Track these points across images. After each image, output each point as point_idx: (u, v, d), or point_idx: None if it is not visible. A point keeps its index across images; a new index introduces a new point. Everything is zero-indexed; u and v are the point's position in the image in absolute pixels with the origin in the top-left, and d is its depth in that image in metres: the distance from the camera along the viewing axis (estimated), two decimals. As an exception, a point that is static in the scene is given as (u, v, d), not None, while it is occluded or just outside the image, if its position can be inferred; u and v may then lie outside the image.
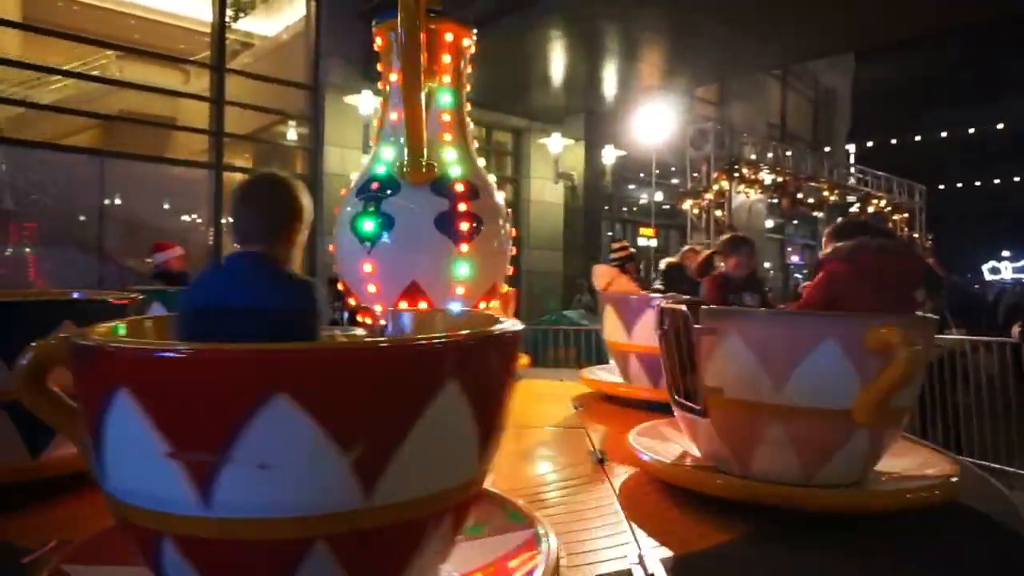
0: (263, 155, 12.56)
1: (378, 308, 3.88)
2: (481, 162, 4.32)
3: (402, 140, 4.05)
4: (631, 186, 18.58)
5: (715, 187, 16.01)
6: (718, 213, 16.10)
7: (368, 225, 3.83)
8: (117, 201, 9.86)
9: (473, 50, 4.37)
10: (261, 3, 14.18)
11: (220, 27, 10.56)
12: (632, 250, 6.07)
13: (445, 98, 4.18)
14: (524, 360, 6.29)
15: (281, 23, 13.07)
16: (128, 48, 13.41)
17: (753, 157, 17.05)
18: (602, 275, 5.60)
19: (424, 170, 3.87)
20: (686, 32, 10.14)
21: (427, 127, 4.00)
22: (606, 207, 17.03)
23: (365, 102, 9.63)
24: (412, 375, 1.50)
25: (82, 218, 9.57)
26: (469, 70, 4.38)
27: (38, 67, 12.20)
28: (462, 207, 3.89)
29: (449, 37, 4.14)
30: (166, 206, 11.34)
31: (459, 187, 3.94)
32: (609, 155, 14.79)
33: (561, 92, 12.66)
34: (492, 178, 4.26)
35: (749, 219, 18.11)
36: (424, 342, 1.62)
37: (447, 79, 4.20)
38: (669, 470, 2.76)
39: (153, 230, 10.60)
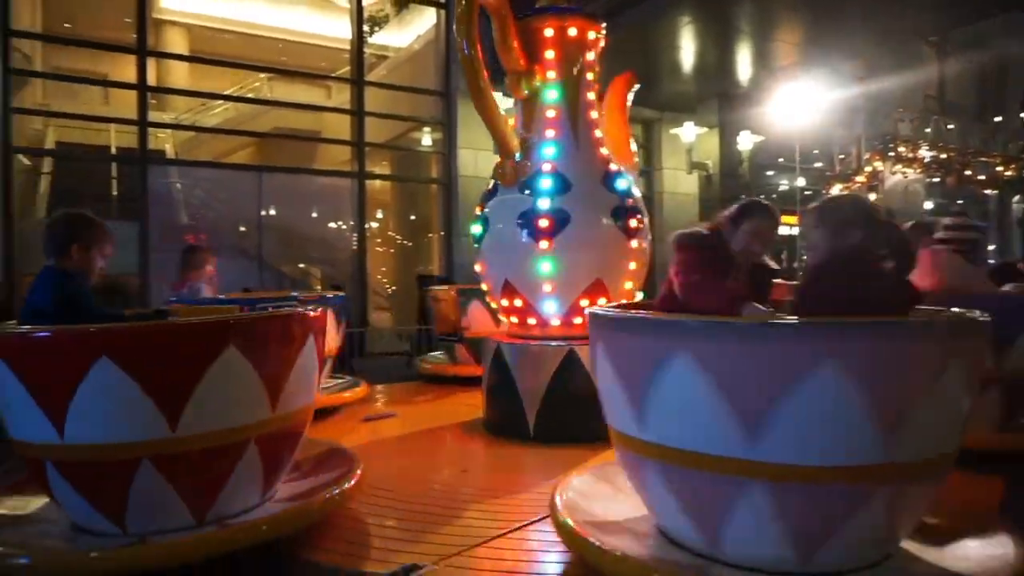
0: (400, 161, 13.11)
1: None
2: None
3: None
4: (770, 172, 17.65)
5: (867, 168, 14.85)
6: (871, 196, 14.94)
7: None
8: (272, 212, 10.63)
9: (602, 44, 4.31)
10: (394, 17, 14.80)
11: (358, 43, 11.10)
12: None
13: (588, 93, 4.17)
14: None
15: (413, 33, 13.57)
16: (277, 70, 14.47)
17: (910, 133, 15.66)
18: (940, 264, 3.63)
19: (512, 172, 3.94)
20: (827, 4, 9.47)
21: (575, 124, 4.04)
22: (743, 196, 16.30)
23: (500, 101, 9.81)
24: (196, 343, 2.36)
25: (243, 228, 10.41)
26: (595, 68, 4.33)
27: (203, 94, 13.43)
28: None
29: (573, 32, 4.10)
30: (314, 214, 12.10)
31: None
32: (746, 141, 14.13)
33: (692, 79, 12.24)
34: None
35: (905, 201, 16.67)
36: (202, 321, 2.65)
37: (590, 75, 4.17)
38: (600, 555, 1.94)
39: (304, 237, 11.36)
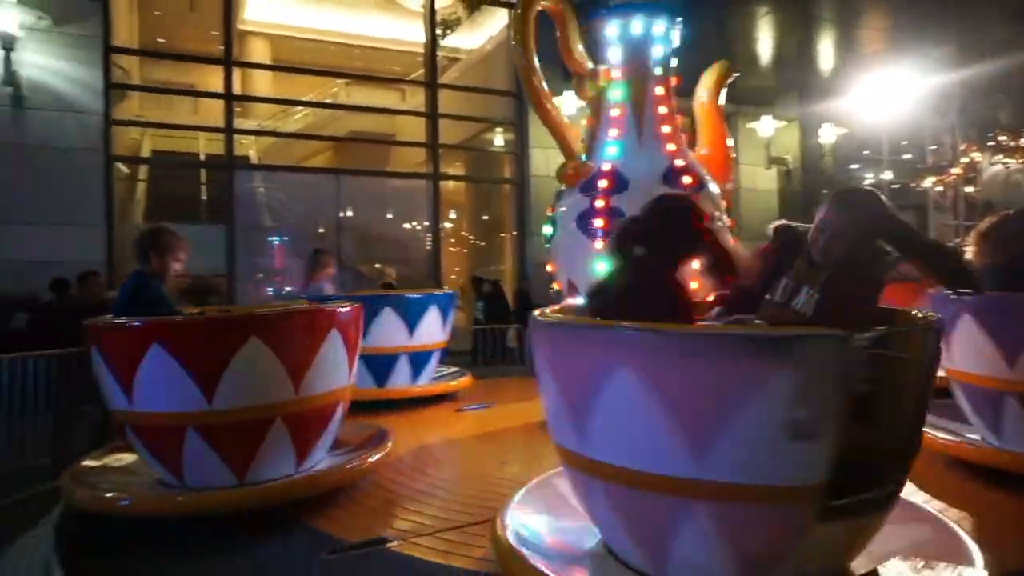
0: (473, 162, 13.24)
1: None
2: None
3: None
4: (855, 166, 16.90)
5: (963, 159, 14.03)
6: (968, 189, 14.10)
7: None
8: (350, 213, 10.93)
9: (675, 38, 4.23)
10: (466, 19, 14.95)
11: (431, 46, 11.28)
12: None
13: (656, 89, 4.09)
14: None
15: (485, 35, 13.68)
16: (354, 75, 14.85)
17: (1011, 120, 14.69)
18: None
19: (573, 173, 3.98)
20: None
21: (639, 121, 4.00)
22: (825, 191, 15.66)
23: (568, 103, 9.76)
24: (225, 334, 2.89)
25: (322, 230, 10.73)
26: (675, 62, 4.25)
27: (284, 101, 13.93)
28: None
29: (637, 29, 4.05)
30: (390, 215, 12.36)
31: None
32: (828, 134, 13.59)
33: (770, 71, 11.87)
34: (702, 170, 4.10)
35: (1006, 193, 15.66)
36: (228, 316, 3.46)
37: (658, 71, 4.11)
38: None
39: (381, 238, 11.62)
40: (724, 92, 4.34)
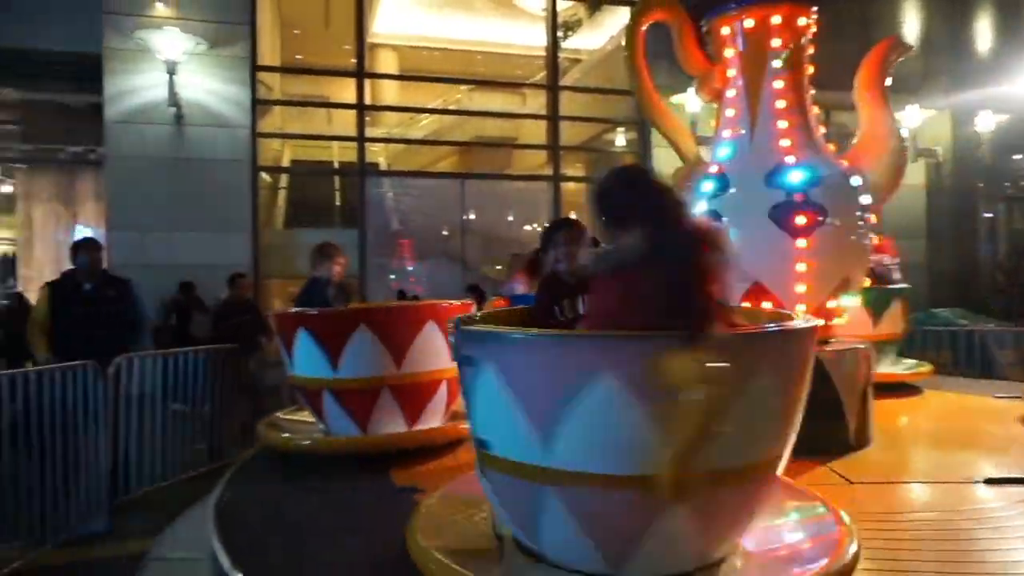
0: (594, 163, 13.17)
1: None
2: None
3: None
4: (1018, 156, 15.33)
5: None
6: None
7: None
8: (473, 216, 11.18)
9: (813, 29, 4.02)
10: (587, 20, 14.89)
11: (553, 48, 11.33)
12: None
13: (775, 83, 3.91)
14: (926, 367, 5.54)
15: (605, 35, 13.56)
16: (476, 81, 15.19)
17: None
18: None
19: (683, 176, 3.95)
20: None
21: (753, 120, 3.85)
22: (981, 184, 14.29)
23: (692, 100, 9.50)
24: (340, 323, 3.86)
25: (446, 232, 11.04)
26: (811, 50, 4.03)
27: (411, 109, 14.47)
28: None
29: (777, 20, 3.86)
30: (511, 217, 12.53)
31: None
32: (985, 121, 12.41)
33: (916, 57, 10.99)
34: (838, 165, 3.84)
35: None
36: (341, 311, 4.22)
37: (775, 63, 3.91)
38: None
39: (503, 240, 11.80)
40: (887, 74, 4.02)
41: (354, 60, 10.37)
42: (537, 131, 11.70)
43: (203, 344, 6.30)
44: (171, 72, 8.35)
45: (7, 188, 11.90)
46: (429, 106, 14.20)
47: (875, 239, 3.93)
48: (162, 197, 8.49)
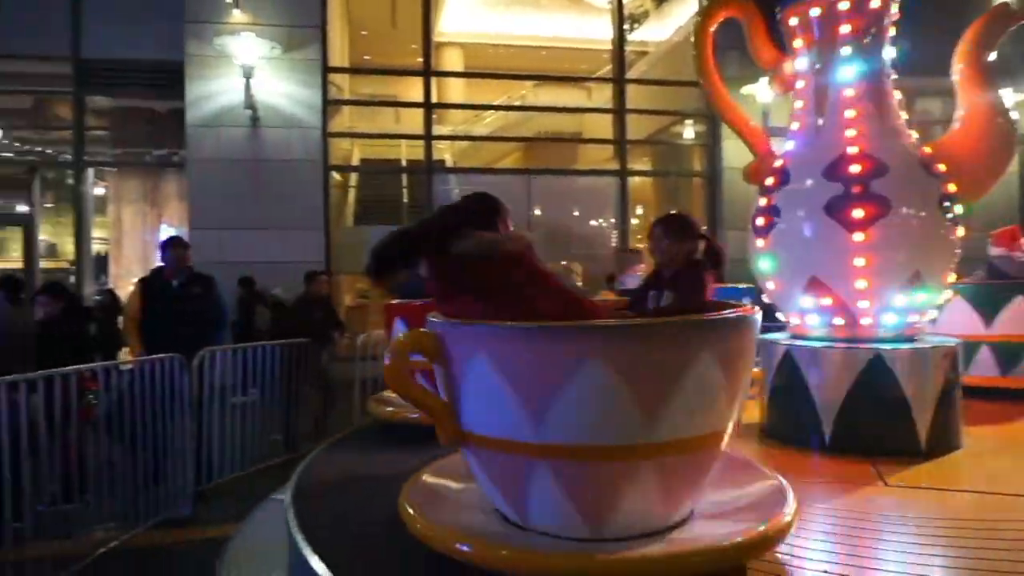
0: (661, 156, 12.97)
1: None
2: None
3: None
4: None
5: None
6: None
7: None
8: (539, 212, 11.18)
9: (894, 10, 3.83)
10: (653, 11, 14.67)
11: (619, 42, 11.21)
12: None
13: (841, 73, 3.76)
14: None
15: (672, 26, 13.34)
16: (541, 76, 15.18)
17: None
18: None
19: (754, 171, 3.87)
20: None
21: (819, 111, 3.74)
22: (1081, 171, 13.37)
23: (763, 91, 9.24)
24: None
25: (513, 229, 11.09)
26: (891, 32, 3.86)
27: (477, 106, 14.57)
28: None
29: (845, 6, 3.70)
30: (577, 213, 12.47)
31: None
32: (1088, 104, 11.60)
33: (1010, 37, 10.37)
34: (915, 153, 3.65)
35: None
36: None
37: (845, 50, 3.76)
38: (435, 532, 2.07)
39: (569, 236, 11.77)
40: (991, 48, 3.78)
41: (421, 59, 10.52)
42: (603, 125, 11.60)
43: (265, 337, 6.52)
44: (247, 76, 8.66)
45: (100, 190, 12.58)
46: (495, 103, 14.28)
47: (959, 231, 3.71)
48: (239, 197, 8.83)
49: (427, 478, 2.47)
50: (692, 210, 12.15)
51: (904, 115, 3.82)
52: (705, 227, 11.02)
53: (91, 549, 4.07)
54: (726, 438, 2.03)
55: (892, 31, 3.84)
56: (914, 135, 3.76)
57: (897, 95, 3.82)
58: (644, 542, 1.92)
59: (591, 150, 13.43)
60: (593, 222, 11.94)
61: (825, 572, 2.07)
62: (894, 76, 3.83)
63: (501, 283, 2.15)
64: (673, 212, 2.91)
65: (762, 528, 1.88)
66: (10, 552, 3.57)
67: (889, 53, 3.82)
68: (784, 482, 2.17)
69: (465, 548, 1.96)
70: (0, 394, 3.58)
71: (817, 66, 3.79)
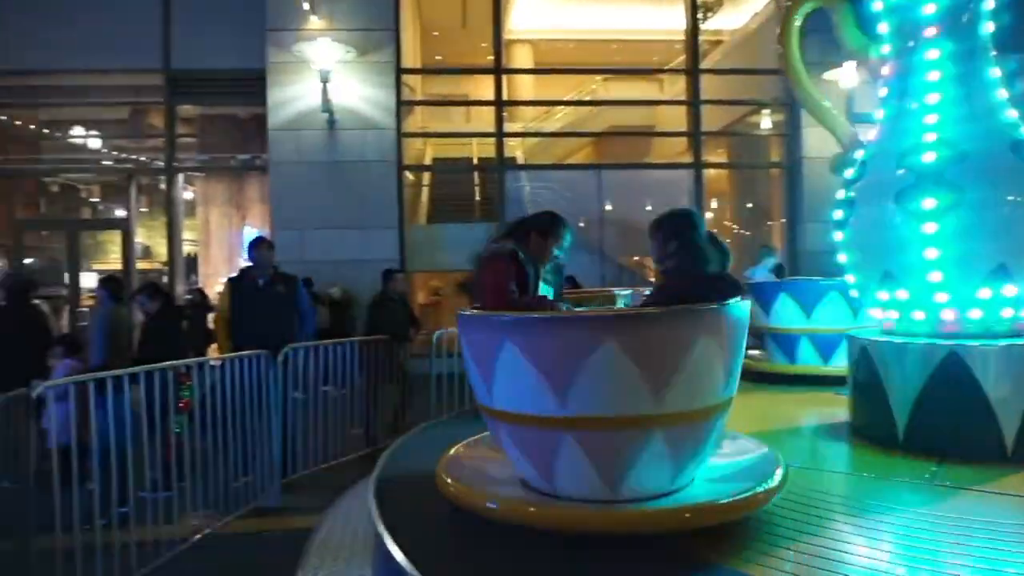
0: (736, 148, 12.63)
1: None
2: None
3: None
4: None
5: None
6: None
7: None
8: (610, 207, 11.07)
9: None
10: (728, 0, 14.28)
11: (692, 32, 10.98)
12: None
13: (931, 53, 3.56)
14: None
15: (748, 13, 12.95)
16: (612, 70, 15.03)
17: None
18: None
19: (839, 160, 3.87)
20: None
21: (900, 98, 3.65)
22: None
23: (847, 76, 8.88)
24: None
25: (582, 224, 11.02)
26: (990, 7, 3.62)
27: (547, 102, 14.56)
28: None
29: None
30: (650, 207, 12.28)
31: None
32: None
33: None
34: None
35: None
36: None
37: (930, 32, 3.56)
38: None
39: (641, 230, 11.62)
40: None
41: (491, 57, 10.59)
42: (676, 117, 11.39)
43: (324, 336, 6.70)
44: (324, 80, 8.92)
45: (189, 194, 13.25)
46: (565, 98, 14.23)
47: None
48: (318, 198, 9.12)
49: (459, 452, 2.84)
50: (770, 203, 11.79)
51: (1004, 93, 3.59)
52: (783, 219, 10.71)
53: (187, 535, 4.30)
54: (724, 412, 2.36)
55: (990, 5, 3.61)
56: (1014, 114, 3.53)
57: (996, 73, 3.60)
58: (656, 502, 2.26)
59: (664, 143, 13.21)
60: (667, 216, 11.73)
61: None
62: (994, 53, 3.61)
63: (479, 280, 2.90)
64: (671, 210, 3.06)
65: (755, 491, 2.21)
66: (115, 535, 3.81)
67: (987, 30, 3.60)
68: (777, 454, 2.48)
69: (492, 506, 2.31)
70: (106, 387, 3.82)
71: (901, 50, 3.66)
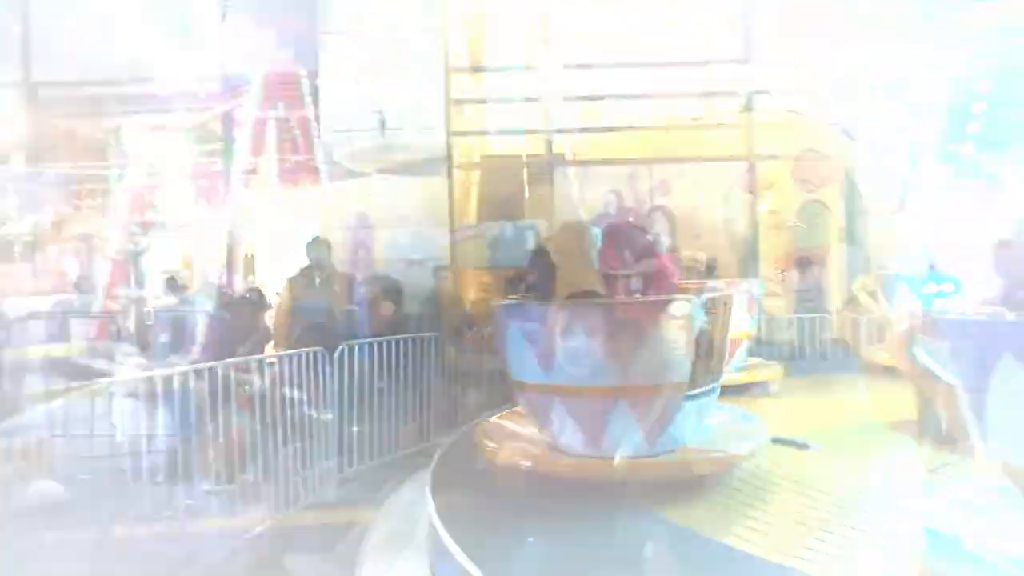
0: (795, 139, 12.26)
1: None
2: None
3: None
4: None
5: None
6: None
7: None
8: (661, 201, 10.90)
9: None
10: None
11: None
12: None
13: None
14: None
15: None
16: (663, 63, 14.72)
17: None
18: None
19: None
20: None
21: None
22: None
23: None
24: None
25: (631, 219, 10.86)
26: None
27: (596, 96, 14.37)
28: None
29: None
30: (701, 202, 12.04)
31: None
32: None
33: None
34: None
35: None
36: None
37: None
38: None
39: (694, 225, 11.42)
40: None
41: (540, 52, 10.51)
42: (728, 109, 11.13)
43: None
44: (375, 81, 9.02)
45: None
46: (615, 92, 14.03)
47: None
48: (370, 197, 9.24)
49: (496, 420, 3.56)
50: (826, 195, 11.43)
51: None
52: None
53: (249, 527, 4.40)
54: (687, 389, 2.87)
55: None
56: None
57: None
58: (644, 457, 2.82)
59: (716, 136, 12.91)
60: (720, 209, 11.51)
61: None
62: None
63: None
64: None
65: (733, 452, 2.82)
66: (182, 526, 3.93)
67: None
68: (760, 421, 3.12)
69: (528, 464, 2.93)
70: (172, 383, 3.95)
71: None
